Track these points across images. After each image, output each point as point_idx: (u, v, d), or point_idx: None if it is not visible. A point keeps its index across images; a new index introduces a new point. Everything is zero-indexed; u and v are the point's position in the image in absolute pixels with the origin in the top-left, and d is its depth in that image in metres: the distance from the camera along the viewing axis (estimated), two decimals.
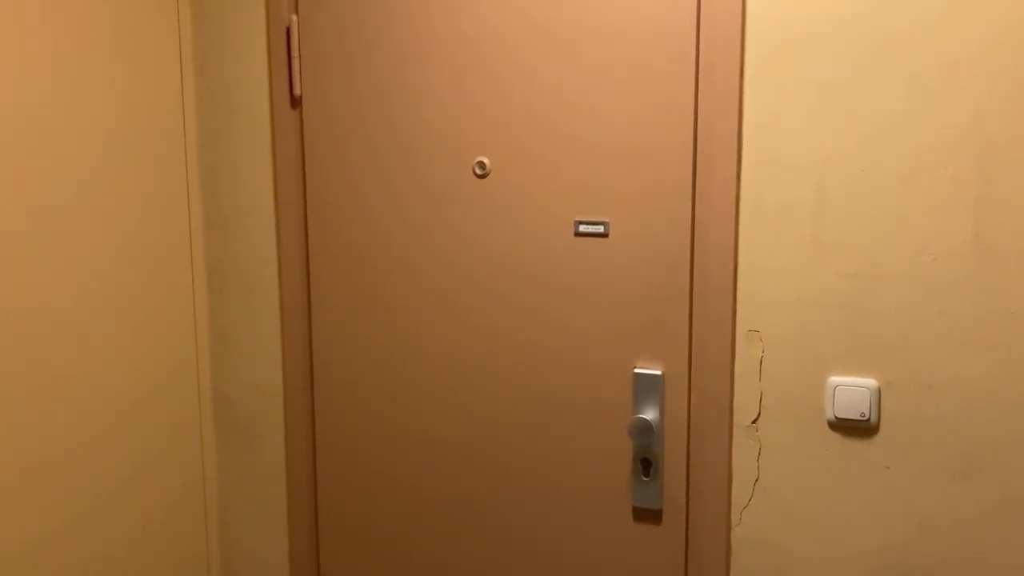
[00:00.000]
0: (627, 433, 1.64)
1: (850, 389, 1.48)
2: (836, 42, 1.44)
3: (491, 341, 1.73)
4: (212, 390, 1.98)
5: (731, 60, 1.50)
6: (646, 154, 1.58)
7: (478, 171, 1.70)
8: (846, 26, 1.43)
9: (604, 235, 1.62)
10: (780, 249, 1.51)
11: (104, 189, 1.69)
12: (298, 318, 1.87)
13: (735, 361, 1.56)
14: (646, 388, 1.62)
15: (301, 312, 1.87)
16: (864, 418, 1.47)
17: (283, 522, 1.96)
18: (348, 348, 1.85)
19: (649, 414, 1.62)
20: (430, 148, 1.72)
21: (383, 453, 1.85)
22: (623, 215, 1.61)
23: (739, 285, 1.54)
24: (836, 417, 1.49)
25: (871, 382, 1.47)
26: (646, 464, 1.64)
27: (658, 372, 1.61)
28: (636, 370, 1.63)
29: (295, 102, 1.81)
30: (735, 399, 1.57)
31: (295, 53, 1.79)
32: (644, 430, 1.60)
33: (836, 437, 1.51)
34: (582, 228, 1.64)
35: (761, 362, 1.54)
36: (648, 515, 1.66)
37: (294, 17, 1.79)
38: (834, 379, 1.49)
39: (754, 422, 1.56)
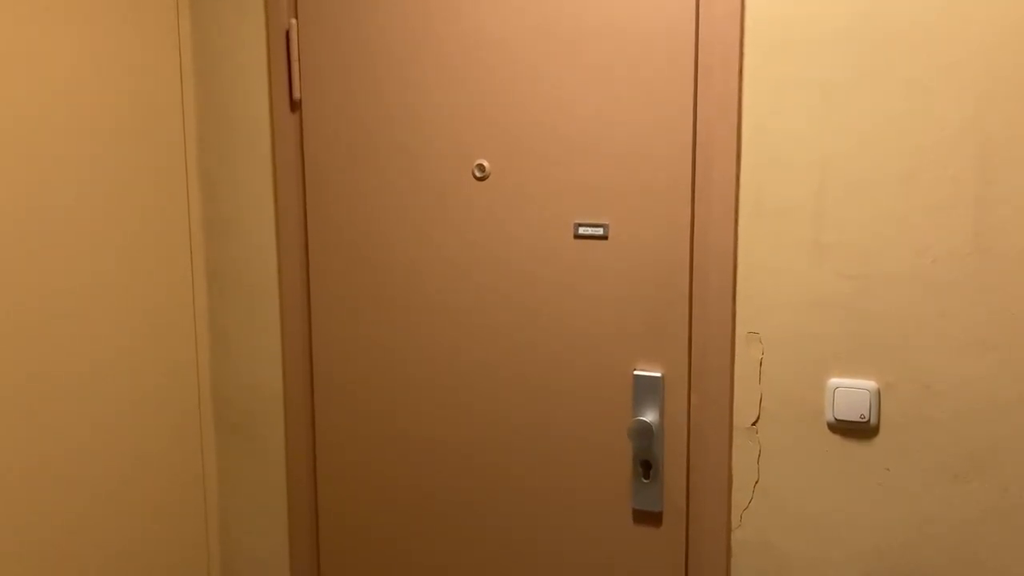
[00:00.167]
0: (627, 435, 1.64)
1: (850, 391, 1.47)
2: (835, 43, 1.43)
3: (491, 343, 1.73)
4: (212, 391, 1.98)
5: (730, 61, 1.50)
6: (645, 156, 1.58)
7: (478, 173, 1.70)
8: (846, 27, 1.42)
9: (604, 237, 1.62)
10: (780, 250, 1.51)
11: (104, 192, 1.69)
12: (298, 320, 1.88)
13: (735, 363, 1.56)
14: (646, 390, 1.62)
15: (301, 314, 1.87)
16: (864, 420, 1.47)
17: (283, 523, 1.96)
18: (348, 350, 1.85)
19: (649, 416, 1.62)
20: (430, 151, 1.73)
21: (383, 454, 1.85)
22: (623, 217, 1.61)
23: (739, 287, 1.54)
24: (836, 419, 1.49)
25: (871, 384, 1.47)
26: (646, 466, 1.64)
27: (658, 374, 1.61)
28: (636, 372, 1.63)
29: (294, 105, 1.81)
30: (735, 401, 1.56)
31: (294, 56, 1.79)
32: (644, 432, 1.60)
33: (836, 439, 1.51)
34: (582, 230, 1.64)
35: (761, 364, 1.54)
36: (648, 517, 1.66)
37: (293, 21, 1.79)
38: (834, 381, 1.49)
39: (754, 424, 1.56)
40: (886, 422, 1.47)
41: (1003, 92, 1.35)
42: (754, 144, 1.50)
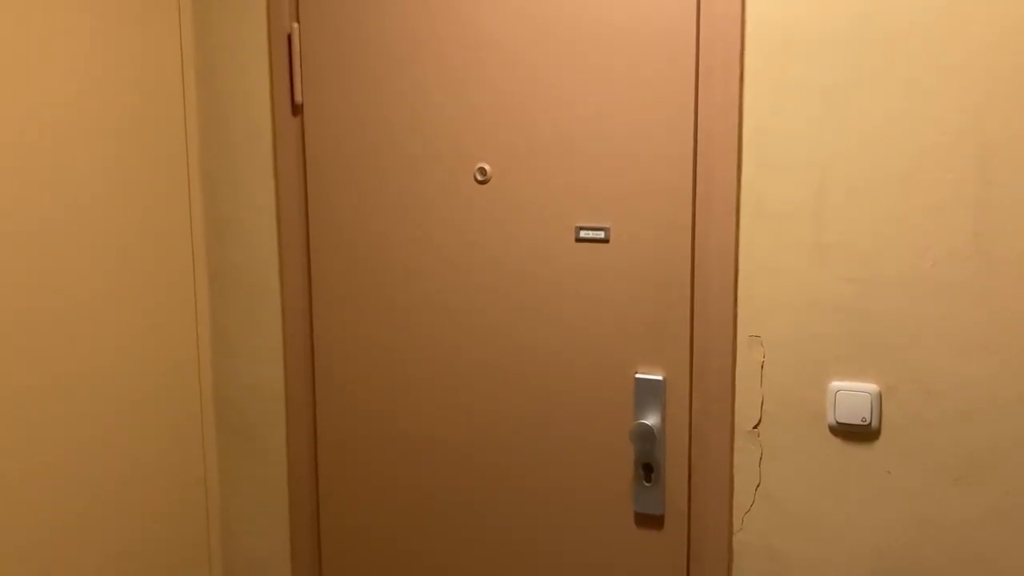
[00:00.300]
0: (628, 438, 1.64)
1: (851, 394, 1.47)
2: (836, 44, 1.43)
3: (492, 346, 1.73)
4: (214, 392, 1.99)
5: (731, 63, 1.50)
6: (646, 159, 1.58)
7: (479, 177, 1.70)
8: (846, 28, 1.42)
9: (605, 240, 1.62)
10: (781, 253, 1.50)
11: (107, 194, 1.70)
12: (299, 321, 1.88)
13: (736, 366, 1.56)
14: (647, 393, 1.62)
15: (302, 315, 1.88)
16: (865, 423, 1.47)
17: (285, 523, 1.96)
18: (349, 351, 1.85)
19: (650, 419, 1.62)
20: (431, 154, 1.73)
21: (384, 456, 1.86)
22: (624, 220, 1.61)
23: (740, 290, 1.54)
24: (837, 422, 1.49)
25: (872, 387, 1.47)
26: (648, 469, 1.64)
27: (659, 377, 1.61)
28: (637, 375, 1.63)
29: (296, 109, 1.82)
30: (736, 404, 1.56)
31: (296, 60, 1.80)
32: (645, 435, 1.60)
33: (837, 442, 1.50)
34: (583, 233, 1.64)
35: (762, 367, 1.54)
36: (650, 520, 1.66)
37: (295, 25, 1.79)
38: (835, 384, 1.49)
39: (755, 427, 1.55)
40: (887, 425, 1.47)
41: (1003, 94, 1.35)
42: (755, 146, 1.50)
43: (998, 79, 1.35)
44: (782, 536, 1.56)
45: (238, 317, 1.94)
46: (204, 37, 1.88)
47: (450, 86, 1.69)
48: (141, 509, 1.81)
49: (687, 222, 1.56)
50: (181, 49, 1.87)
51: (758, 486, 1.56)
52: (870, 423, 1.47)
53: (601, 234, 1.63)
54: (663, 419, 1.62)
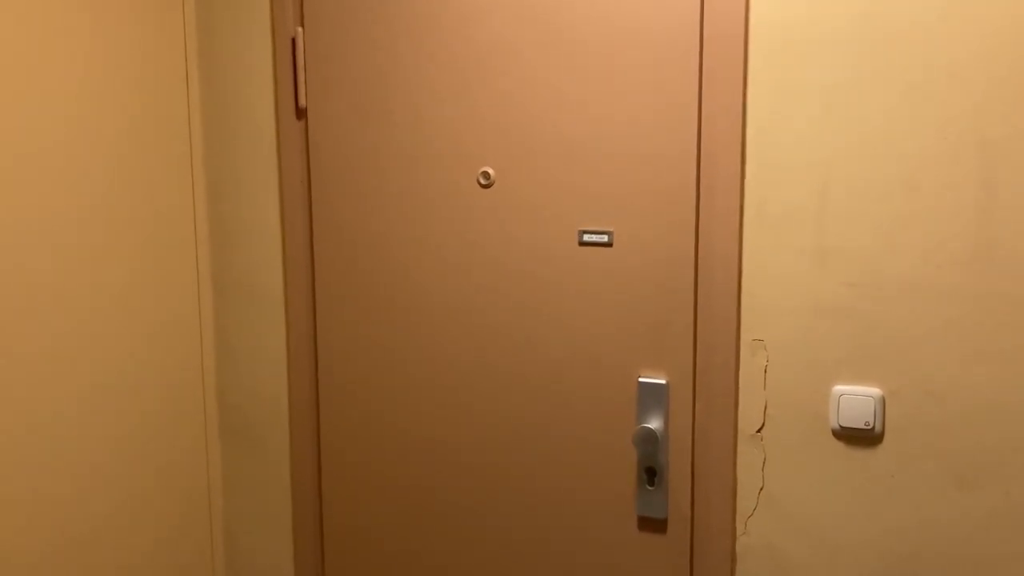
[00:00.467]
0: (631, 442, 1.64)
1: (854, 398, 1.47)
2: (837, 47, 1.44)
3: (496, 350, 1.73)
4: (218, 398, 1.99)
5: (734, 67, 1.50)
6: (650, 163, 1.58)
7: (482, 181, 1.70)
8: (847, 31, 1.43)
9: (608, 244, 1.63)
10: (784, 256, 1.51)
11: (111, 200, 1.70)
12: (303, 326, 1.88)
13: (739, 370, 1.56)
14: (650, 397, 1.62)
15: (306, 321, 1.88)
16: (868, 427, 1.47)
17: (288, 529, 1.96)
18: (353, 356, 1.85)
19: (653, 423, 1.62)
20: (434, 158, 1.73)
21: (387, 461, 1.86)
22: (627, 224, 1.61)
23: (743, 294, 1.54)
24: (841, 426, 1.49)
25: (875, 391, 1.47)
26: (651, 473, 1.64)
27: (662, 381, 1.61)
28: (640, 379, 1.63)
29: (300, 113, 1.82)
30: (739, 408, 1.56)
31: (300, 65, 1.80)
32: (648, 439, 1.60)
33: (840, 446, 1.50)
34: (586, 237, 1.64)
35: (765, 371, 1.54)
36: (653, 524, 1.66)
37: (299, 29, 1.80)
38: (838, 388, 1.49)
39: (759, 431, 1.56)
40: (891, 429, 1.47)
41: (1004, 95, 1.35)
42: (758, 149, 1.50)
43: (999, 81, 1.35)
44: (785, 540, 1.56)
45: (242, 321, 1.94)
46: (208, 41, 1.89)
47: (453, 90, 1.70)
48: (146, 515, 1.81)
49: (690, 226, 1.57)
50: (185, 53, 1.87)
51: (761, 490, 1.57)
52: (873, 427, 1.47)
53: (604, 238, 1.63)
54: (666, 423, 1.62)
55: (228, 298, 1.95)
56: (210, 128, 1.91)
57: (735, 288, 1.54)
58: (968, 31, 1.36)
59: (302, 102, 1.81)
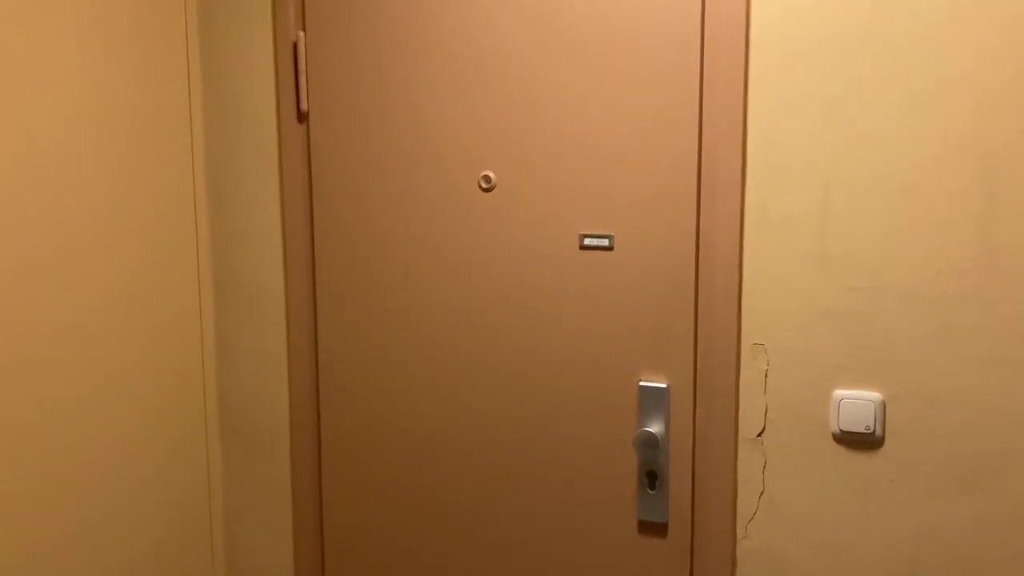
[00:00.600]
0: (632, 446, 1.64)
1: (855, 402, 1.48)
2: (840, 54, 1.44)
3: (497, 354, 1.73)
4: (218, 400, 1.99)
5: (735, 73, 1.51)
6: (651, 167, 1.58)
7: (484, 185, 1.71)
8: (850, 38, 1.43)
9: (609, 248, 1.63)
10: (785, 262, 1.51)
11: (112, 203, 1.70)
12: (304, 329, 1.88)
13: (740, 374, 1.56)
14: (651, 401, 1.62)
15: (307, 323, 1.88)
16: (869, 431, 1.47)
17: (288, 532, 1.96)
18: (353, 359, 1.86)
19: (654, 427, 1.62)
20: (436, 162, 1.73)
21: (388, 464, 1.86)
22: (628, 228, 1.61)
23: (744, 298, 1.55)
24: (841, 430, 1.49)
25: (876, 395, 1.47)
26: (651, 477, 1.64)
27: (663, 385, 1.62)
28: (641, 383, 1.63)
29: (302, 117, 1.83)
30: (740, 412, 1.57)
31: (302, 68, 1.80)
32: (649, 443, 1.60)
33: (841, 450, 1.51)
34: (587, 241, 1.64)
35: (766, 375, 1.54)
36: (653, 528, 1.66)
37: (301, 33, 1.80)
38: (839, 392, 1.49)
39: (759, 435, 1.56)
40: (891, 433, 1.47)
41: (1006, 104, 1.36)
42: (759, 154, 1.51)
43: (1001, 90, 1.36)
44: (786, 544, 1.56)
45: (243, 324, 1.94)
46: (210, 45, 1.89)
47: (455, 94, 1.70)
48: (145, 517, 1.81)
49: (691, 230, 1.57)
50: (187, 56, 1.88)
51: (762, 494, 1.57)
52: (874, 432, 1.47)
53: (605, 242, 1.63)
54: (667, 427, 1.62)
55: (229, 301, 1.95)
56: (212, 131, 1.91)
57: (736, 292, 1.54)
58: (971, 38, 1.37)
59: (303, 106, 1.82)
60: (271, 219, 1.89)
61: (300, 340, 1.89)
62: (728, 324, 1.55)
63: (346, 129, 1.80)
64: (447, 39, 1.70)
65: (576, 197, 1.64)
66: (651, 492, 1.64)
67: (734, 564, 1.60)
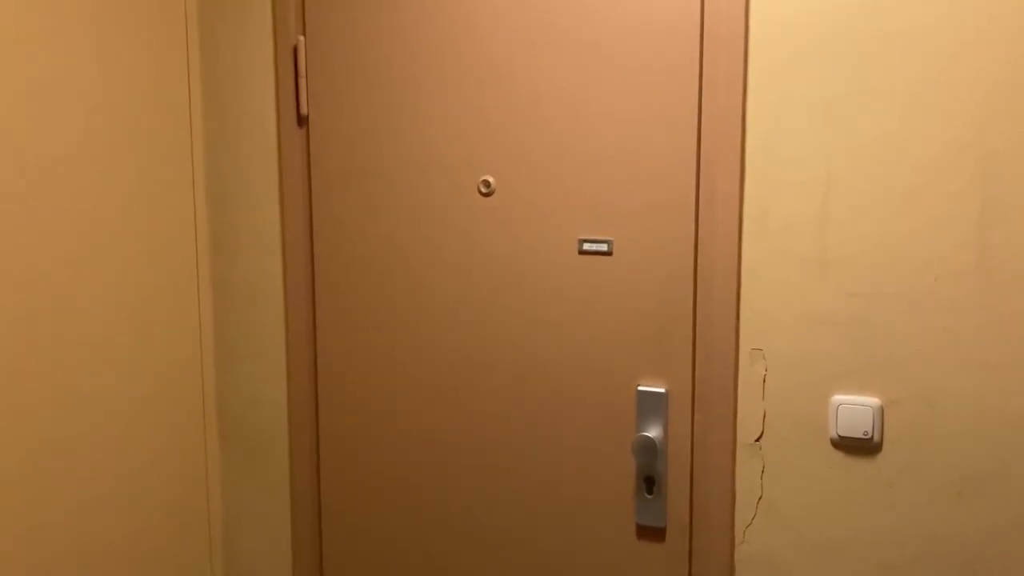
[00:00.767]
0: (630, 451, 1.64)
1: (853, 407, 1.48)
2: (839, 59, 1.44)
3: (496, 358, 1.73)
4: (217, 404, 1.99)
5: (734, 78, 1.51)
6: (650, 172, 1.59)
7: (483, 189, 1.71)
8: (849, 44, 1.44)
9: (608, 253, 1.63)
10: (783, 267, 1.51)
11: (112, 206, 1.70)
12: (303, 333, 1.88)
13: (738, 379, 1.56)
14: (650, 406, 1.62)
15: (306, 327, 1.88)
16: (867, 436, 1.47)
17: (287, 535, 1.96)
18: (352, 363, 1.86)
19: (653, 432, 1.62)
20: (435, 166, 1.74)
21: (386, 467, 1.86)
22: (627, 233, 1.61)
23: (742, 303, 1.55)
24: (839, 435, 1.49)
25: (874, 401, 1.47)
26: (649, 482, 1.64)
27: (662, 390, 1.62)
28: (640, 388, 1.63)
29: (302, 121, 1.83)
30: (738, 417, 1.57)
31: (302, 72, 1.81)
32: (647, 448, 1.60)
33: (839, 455, 1.51)
34: (586, 246, 1.65)
35: (764, 380, 1.54)
36: (651, 533, 1.66)
37: (301, 37, 1.80)
38: (837, 397, 1.49)
39: (757, 440, 1.56)
40: (889, 439, 1.47)
41: (1005, 107, 1.36)
42: (758, 160, 1.51)
43: (1000, 93, 1.36)
44: (784, 549, 1.56)
45: (242, 329, 1.94)
46: (210, 49, 1.89)
47: (454, 98, 1.71)
48: (143, 520, 1.81)
49: (690, 235, 1.57)
50: (187, 60, 1.88)
51: (760, 499, 1.57)
52: (872, 437, 1.47)
53: (604, 247, 1.63)
54: (665, 432, 1.62)
55: (228, 304, 1.95)
56: (212, 135, 1.92)
57: (734, 297, 1.54)
58: (970, 42, 1.37)
59: (303, 110, 1.82)
60: (271, 222, 1.89)
61: (299, 342, 1.89)
62: (727, 329, 1.55)
63: (346, 133, 1.80)
64: (446, 44, 1.70)
65: (575, 202, 1.64)
66: (649, 497, 1.64)
67: (732, 569, 1.60)
